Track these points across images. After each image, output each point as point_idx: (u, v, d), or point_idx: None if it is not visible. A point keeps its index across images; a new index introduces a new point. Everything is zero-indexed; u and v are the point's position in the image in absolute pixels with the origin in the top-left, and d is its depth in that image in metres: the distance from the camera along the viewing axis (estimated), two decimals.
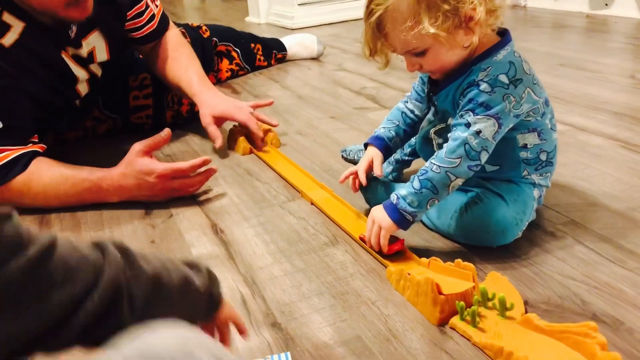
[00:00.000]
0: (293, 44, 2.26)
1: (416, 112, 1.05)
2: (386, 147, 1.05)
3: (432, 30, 0.81)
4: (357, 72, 2.07)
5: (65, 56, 1.23)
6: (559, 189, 1.08)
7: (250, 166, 1.32)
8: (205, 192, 1.20)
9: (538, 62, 1.95)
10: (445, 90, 0.91)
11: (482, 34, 0.85)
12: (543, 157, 0.93)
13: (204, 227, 1.06)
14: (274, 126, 1.42)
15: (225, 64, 2.03)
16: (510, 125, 0.88)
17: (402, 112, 1.06)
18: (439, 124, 0.96)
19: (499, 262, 0.88)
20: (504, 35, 0.90)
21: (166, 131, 1.12)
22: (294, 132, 1.51)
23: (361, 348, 0.73)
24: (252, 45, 2.12)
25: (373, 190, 1.05)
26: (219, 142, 1.35)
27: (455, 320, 0.75)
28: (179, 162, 1.13)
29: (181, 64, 1.45)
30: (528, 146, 0.92)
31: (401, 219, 0.88)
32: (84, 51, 1.27)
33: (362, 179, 1.01)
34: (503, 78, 0.86)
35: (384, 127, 1.07)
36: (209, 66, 1.87)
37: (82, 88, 1.32)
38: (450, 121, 0.92)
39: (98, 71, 1.36)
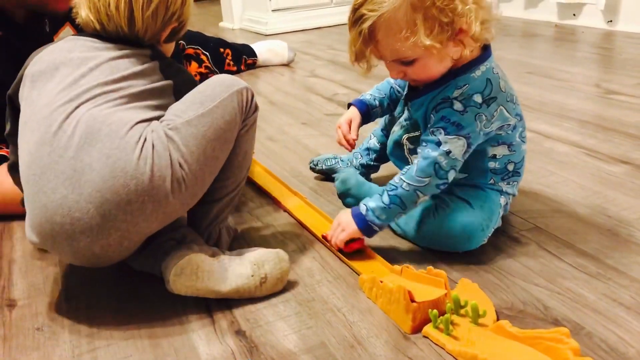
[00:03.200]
0: (264, 50, 2.26)
1: (402, 92, 1.06)
2: (367, 112, 1.07)
3: (427, 42, 0.81)
4: (329, 79, 2.07)
5: None
6: (524, 196, 1.09)
7: None
8: None
9: (507, 70, 1.95)
10: (420, 99, 0.92)
11: (471, 47, 0.86)
12: (510, 167, 0.95)
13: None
14: None
15: (194, 66, 2.02)
16: (479, 142, 0.89)
17: (391, 87, 1.08)
18: (412, 131, 0.97)
19: (463, 268, 0.89)
20: (485, 49, 0.91)
21: None
22: (264, 138, 1.50)
23: (325, 355, 0.73)
24: (222, 50, 2.11)
25: (347, 180, 1.07)
26: None
27: (428, 328, 0.75)
28: None
29: None
30: (497, 157, 0.93)
31: (367, 229, 0.90)
32: None
33: (352, 135, 1.06)
34: (477, 98, 0.86)
35: (370, 94, 1.09)
36: None
37: None
38: (419, 133, 0.93)
39: None
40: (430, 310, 0.75)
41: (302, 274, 0.91)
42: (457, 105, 0.86)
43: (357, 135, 1.06)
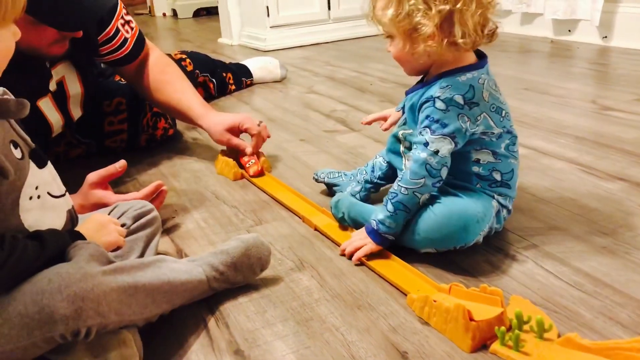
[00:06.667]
0: (256, 68, 2.28)
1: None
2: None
3: (387, 20, 0.90)
4: (328, 95, 2.09)
5: (41, 103, 1.24)
6: (520, 213, 1.10)
7: (218, 189, 1.32)
8: (172, 217, 1.19)
9: (503, 86, 1.97)
10: (412, 93, 0.98)
11: (436, 54, 0.91)
12: (497, 176, 0.97)
13: (169, 253, 1.05)
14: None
15: (200, 93, 2.04)
16: (465, 141, 0.93)
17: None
18: (407, 127, 1.02)
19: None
20: (480, 60, 0.95)
21: (121, 163, 1.10)
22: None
23: None
24: (224, 74, 2.15)
25: (339, 204, 1.07)
26: (249, 149, 1.38)
27: (496, 346, 0.74)
28: (132, 192, 1.11)
29: (174, 87, 1.45)
30: (481, 162, 0.96)
31: (383, 241, 0.96)
32: (53, 82, 1.27)
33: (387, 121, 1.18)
34: (458, 99, 0.91)
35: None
36: None
37: (56, 131, 1.33)
38: (412, 131, 0.99)
39: (77, 113, 1.37)
40: (497, 327, 0.74)
41: (301, 292, 0.91)
42: (439, 104, 0.91)
43: (387, 128, 1.17)
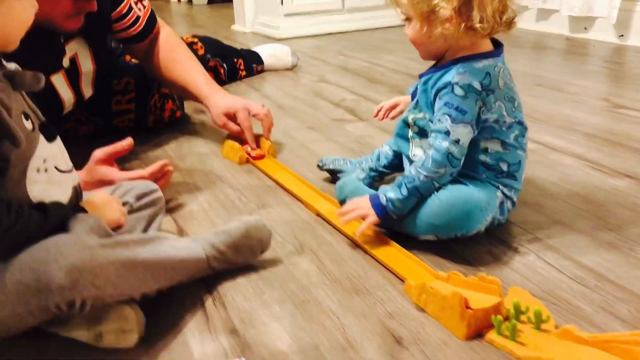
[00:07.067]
0: (267, 55, 2.28)
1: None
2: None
3: (406, 1, 0.91)
4: (338, 84, 2.08)
5: (54, 79, 1.24)
6: (525, 206, 1.09)
7: (223, 173, 1.32)
8: (176, 198, 1.20)
9: (516, 81, 1.97)
10: (426, 76, 0.98)
11: (453, 38, 0.90)
12: (504, 167, 0.96)
13: (171, 233, 1.05)
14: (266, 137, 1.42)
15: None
16: (479, 129, 0.93)
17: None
18: (418, 112, 1.00)
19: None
20: (497, 48, 0.95)
21: (128, 140, 1.11)
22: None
23: (317, 357, 0.73)
24: (235, 59, 2.15)
25: (344, 187, 1.07)
26: (247, 133, 1.38)
27: (492, 335, 0.73)
28: (138, 170, 1.11)
29: (183, 65, 1.46)
30: (489, 151, 0.96)
31: (386, 218, 0.95)
32: (66, 59, 1.27)
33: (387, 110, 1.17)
34: (476, 85, 0.91)
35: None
36: None
37: (68, 108, 1.34)
38: (423, 115, 0.98)
39: (88, 92, 1.37)
40: (493, 316, 0.74)
41: (300, 275, 0.91)
42: (458, 91, 0.91)
43: (394, 117, 1.16)
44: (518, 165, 0.98)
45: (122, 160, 1.28)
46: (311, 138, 1.54)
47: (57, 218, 0.74)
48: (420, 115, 1.00)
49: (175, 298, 0.84)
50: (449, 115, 0.91)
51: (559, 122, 1.58)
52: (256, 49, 2.32)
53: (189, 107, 1.75)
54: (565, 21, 2.82)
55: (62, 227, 0.74)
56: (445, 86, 0.93)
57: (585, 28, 2.74)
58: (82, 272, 0.68)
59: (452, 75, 0.92)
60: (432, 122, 0.96)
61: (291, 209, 1.14)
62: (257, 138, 1.41)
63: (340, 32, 3.14)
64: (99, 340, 0.75)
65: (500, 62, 0.96)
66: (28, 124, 0.76)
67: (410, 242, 0.96)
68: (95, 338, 0.75)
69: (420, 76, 1.00)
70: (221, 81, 2.06)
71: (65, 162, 0.83)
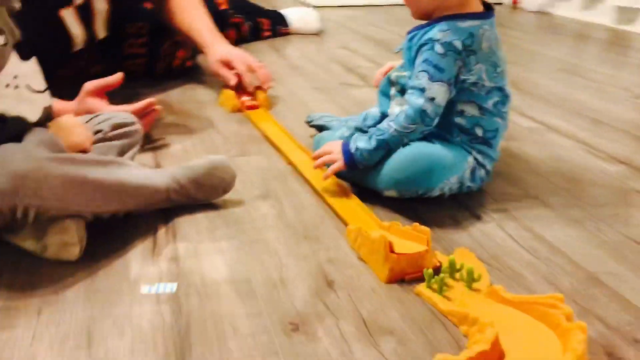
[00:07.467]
0: (295, 19, 2.27)
1: None
2: None
3: None
4: (358, 52, 2.07)
5: (64, 13, 1.27)
6: (504, 179, 1.07)
7: (216, 120, 1.34)
8: (163, 138, 1.22)
9: (539, 65, 1.92)
10: (412, 33, 0.97)
11: None
12: (479, 132, 0.95)
13: (147, 165, 1.08)
14: (266, 87, 1.44)
15: (232, 34, 2.07)
16: (456, 90, 0.92)
17: None
18: (402, 70, 1.00)
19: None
20: (488, 10, 0.95)
21: (119, 75, 1.14)
22: (271, 96, 1.52)
23: (245, 289, 0.74)
24: (260, 19, 2.15)
25: (322, 141, 1.07)
26: (232, 81, 1.41)
27: (421, 287, 0.74)
28: (125, 105, 1.14)
29: (190, 13, 1.50)
30: (465, 114, 0.95)
31: (352, 166, 0.96)
32: None
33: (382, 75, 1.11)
34: (457, 44, 0.90)
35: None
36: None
37: (77, 45, 1.37)
38: (405, 74, 0.98)
39: (101, 33, 1.41)
40: (425, 270, 0.74)
41: (257, 218, 0.92)
42: (438, 48, 0.90)
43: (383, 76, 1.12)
44: (495, 133, 0.97)
45: (126, 100, 1.30)
46: (313, 98, 1.54)
47: (13, 130, 0.77)
48: (403, 73, 0.99)
49: (130, 223, 0.87)
50: (427, 72, 0.91)
51: (570, 106, 1.53)
52: (284, 11, 2.32)
53: (203, 58, 1.77)
54: (612, 11, 2.70)
55: (18, 139, 0.77)
56: (426, 43, 0.92)
57: (632, 20, 2.62)
58: (25, 179, 0.71)
59: (435, 32, 0.91)
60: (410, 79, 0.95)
61: (269, 158, 1.15)
62: (254, 90, 1.42)
63: (379, 5, 3.10)
64: (44, 251, 0.78)
65: (488, 25, 0.94)
66: (0, 39, 0.79)
67: (375, 199, 0.96)
68: (41, 249, 0.79)
69: (408, 33, 0.99)
70: (243, 39, 2.08)
71: (39, 82, 0.87)
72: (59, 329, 0.66)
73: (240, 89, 1.42)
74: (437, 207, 0.96)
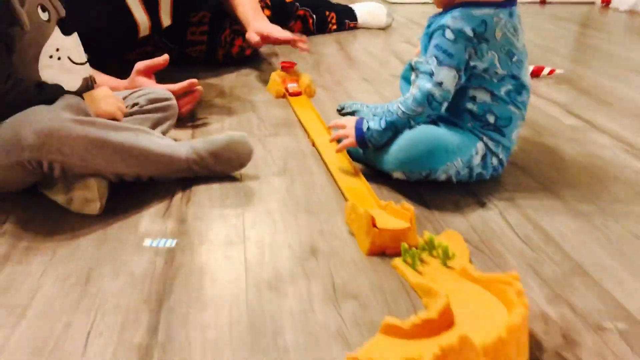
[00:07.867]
0: (363, 12, 2.31)
1: None
2: None
3: None
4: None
5: (130, 2, 1.41)
6: (523, 171, 1.07)
7: (259, 104, 1.42)
8: (206, 117, 1.32)
9: (610, 65, 1.84)
10: (431, 18, 1.00)
11: None
12: (490, 118, 0.96)
13: (185, 138, 1.17)
14: (301, 48, 1.54)
15: (298, 26, 2.15)
16: (467, 76, 0.94)
17: None
18: (422, 56, 1.02)
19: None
20: (507, 0, 0.95)
21: (165, 56, 1.26)
22: (318, 85, 1.57)
23: (237, 251, 0.81)
24: (327, 12, 2.21)
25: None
26: (254, 39, 1.52)
27: (397, 261, 0.78)
28: (170, 84, 1.24)
29: (242, 0, 1.61)
30: (476, 100, 0.96)
31: (362, 144, 0.99)
32: None
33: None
34: (467, 31, 0.92)
35: None
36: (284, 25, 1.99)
37: (143, 31, 1.51)
38: (422, 60, 0.99)
39: (166, 22, 1.54)
40: (403, 244, 0.78)
41: (266, 191, 0.99)
42: (449, 34, 0.93)
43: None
44: (508, 121, 0.97)
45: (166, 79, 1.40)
46: (359, 88, 1.58)
47: (49, 95, 0.88)
48: (422, 59, 1.02)
49: (151, 187, 0.96)
50: (436, 57, 0.93)
51: (622, 106, 1.47)
52: (353, 5, 2.36)
53: (265, 48, 1.85)
54: None
55: (52, 103, 0.88)
56: (439, 28, 0.94)
57: None
58: (49, 137, 0.81)
59: (447, 18, 0.93)
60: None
61: (297, 140, 1.21)
62: (299, 75, 1.49)
63: None
64: (70, 204, 0.89)
65: (504, 14, 0.94)
66: (44, 15, 0.90)
67: (384, 181, 1.00)
68: (68, 202, 0.89)
69: (428, 20, 1.02)
70: (309, 31, 2.15)
71: (80, 55, 0.97)
72: (65, 268, 0.76)
73: (286, 77, 1.49)
74: (444, 192, 0.97)
